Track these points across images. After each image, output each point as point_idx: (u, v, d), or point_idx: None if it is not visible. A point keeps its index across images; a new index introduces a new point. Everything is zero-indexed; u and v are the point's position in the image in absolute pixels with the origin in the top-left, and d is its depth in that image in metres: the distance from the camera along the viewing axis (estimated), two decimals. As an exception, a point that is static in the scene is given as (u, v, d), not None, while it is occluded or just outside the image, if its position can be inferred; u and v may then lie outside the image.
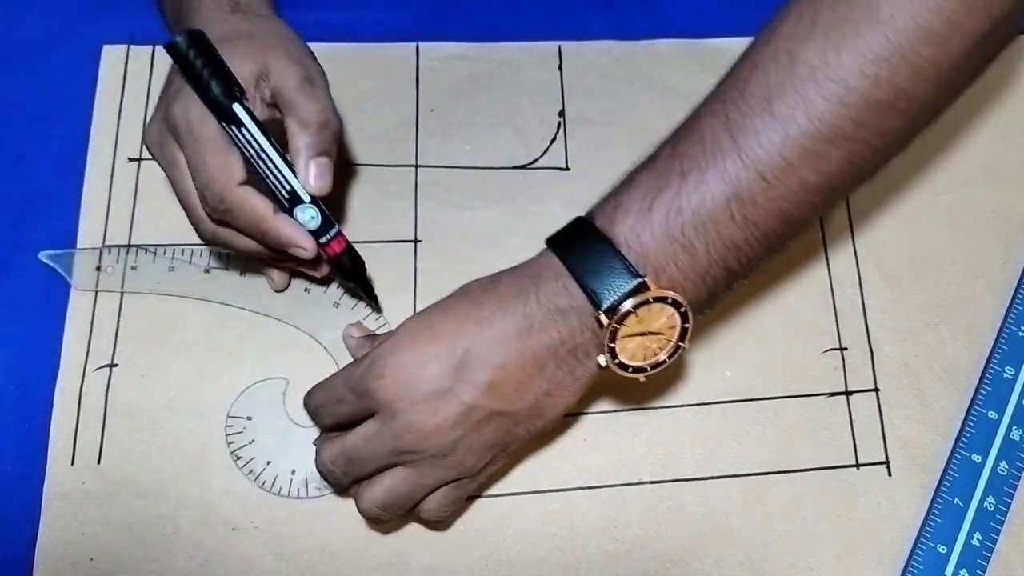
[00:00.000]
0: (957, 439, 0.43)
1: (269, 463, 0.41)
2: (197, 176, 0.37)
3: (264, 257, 0.41)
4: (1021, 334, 0.45)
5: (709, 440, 0.43)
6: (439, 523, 0.40)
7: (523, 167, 0.48)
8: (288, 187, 0.37)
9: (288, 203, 0.38)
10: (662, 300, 0.34)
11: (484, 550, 0.41)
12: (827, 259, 0.47)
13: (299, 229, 0.38)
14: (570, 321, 0.34)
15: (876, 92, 0.32)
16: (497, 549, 0.41)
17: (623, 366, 0.35)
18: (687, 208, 0.33)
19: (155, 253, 0.44)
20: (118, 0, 0.49)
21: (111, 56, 0.48)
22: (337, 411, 0.37)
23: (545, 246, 0.36)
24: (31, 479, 0.40)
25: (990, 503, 0.42)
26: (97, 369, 0.42)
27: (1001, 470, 0.42)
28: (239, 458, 0.41)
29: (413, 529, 0.41)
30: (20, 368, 0.42)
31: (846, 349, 0.45)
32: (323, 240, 0.39)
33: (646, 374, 0.36)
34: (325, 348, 0.43)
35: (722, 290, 0.36)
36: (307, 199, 0.38)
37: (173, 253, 0.44)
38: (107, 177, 0.46)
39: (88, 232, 0.45)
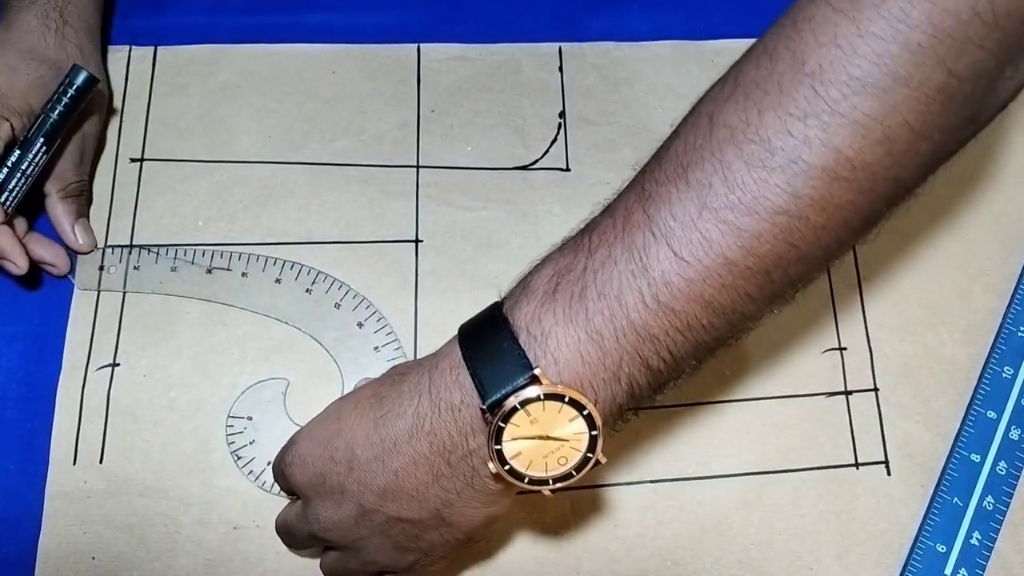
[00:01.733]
0: (956, 439, 0.43)
1: (269, 463, 0.41)
2: None
3: None
4: (1020, 334, 0.45)
5: (709, 440, 0.43)
6: None
7: (524, 168, 0.48)
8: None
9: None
10: (557, 398, 0.29)
11: (484, 550, 0.41)
12: (827, 259, 0.47)
13: (14, 245, 0.41)
14: (461, 420, 0.31)
15: (807, 155, 0.27)
16: (497, 549, 0.41)
17: (517, 475, 0.30)
18: (592, 288, 0.29)
19: (157, 253, 0.44)
20: (119, 0, 0.50)
21: (112, 57, 0.48)
22: (282, 483, 0.37)
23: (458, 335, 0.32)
24: (33, 478, 0.40)
25: (989, 502, 0.42)
26: (99, 369, 0.42)
27: (1000, 469, 0.42)
28: (240, 458, 0.41)
29: (414, 528, 0.41)
30: (22, 368, 0.42)
31: (846, 349, 0.45)
32: None
33: (549, 488, 0.31)
34: (326, 349, 0.43)
35: (645, 394, 0.31)
36: None
37: (175, 253, 0.44)
38: (109, 177, 0.46)
39: (90, 232, 0.45)
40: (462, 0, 0.51)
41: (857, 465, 0.43)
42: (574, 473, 0.30)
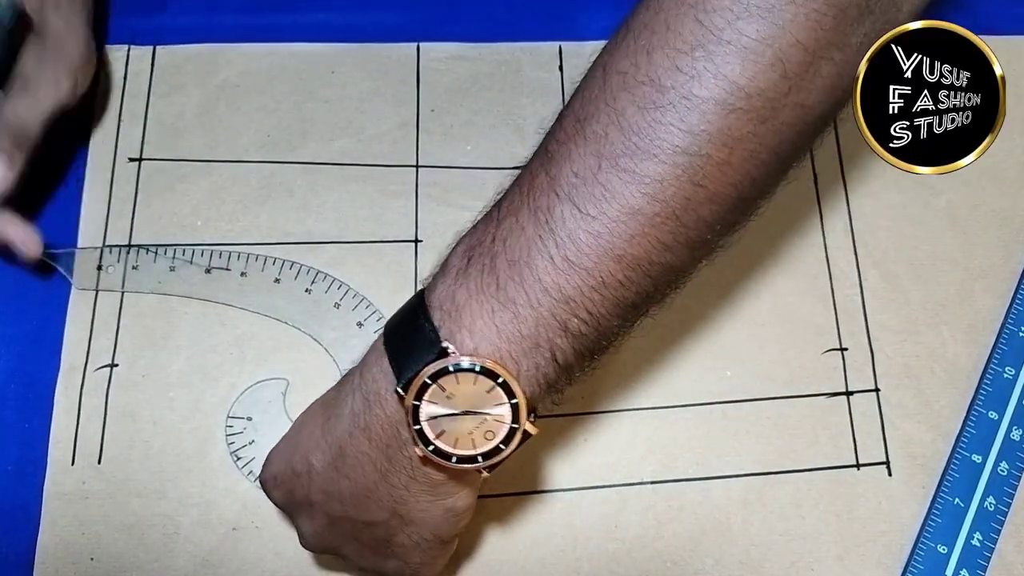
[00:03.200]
0: (957, 439, 0.43)
1: None
2: None
3: None
4: (1021, 334, 0.45)
5: (709, 440, 0.43)
6: None
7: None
8: None
9: None
10: (467, 370, 0.28)
11: (484, 550, 0.41)
12: (827, 259, 0.47)
13: None
14: (389, 409, 0.30)
15: (698, 89, 0.26)
16: (497, 549, 0.41)
17: (444, 455, 0.29)
18: (501, 257, 0.28)
19: (156, 253, 0.44)
20: (118, 0, 0.49)
21: (111, 56, 0.48)
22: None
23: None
24: (31, 479, 0.40)
25: (990, 503, 0.42)
26: (98, 369, 0.42)
27: (1001, 470, 0.42)
28: (239, 458, 0.41)
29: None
30: (20, 368, 0.42)
31: (846, 349, 0.45)
32: None
33: (479, 466, 0.30)
34: (326, 349, 0.43)
35: (573, 361, 0.29)
36: None
37: (174, 253, 0.44)
38: (107, 177, 0.46)
39: (88, 232, 0.45)
40: (462, 0, 0.51)
41: (858, 466, 0.43)
42: (503, 447, 0.29)
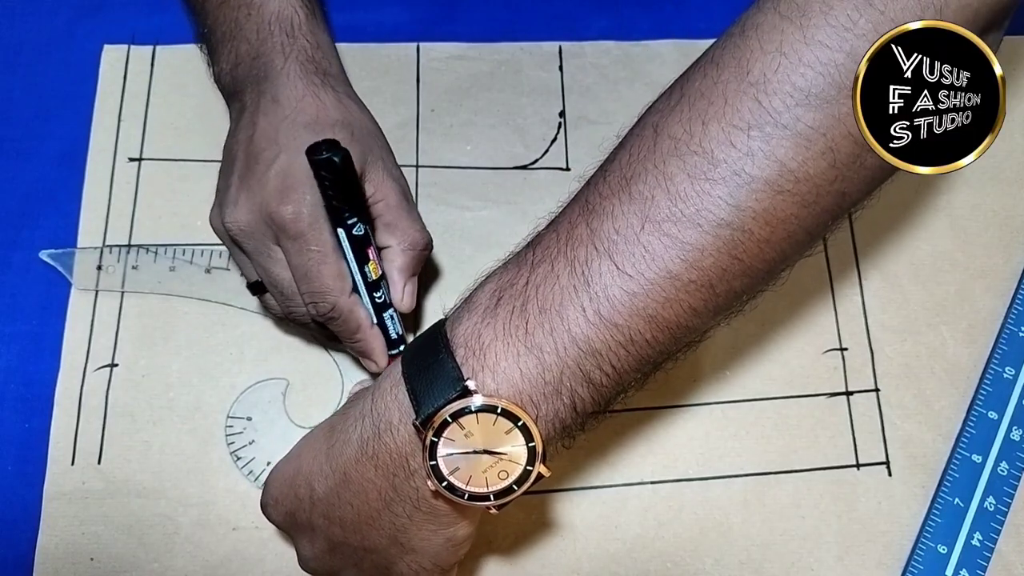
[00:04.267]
0: (957, 439, 0.43)
1: (269, 463, 0.41)
2: (308, 281, 0.36)
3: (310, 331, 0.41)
4: (1021, 334, 0.45)
5: (709, 440, 0.43)
6: None
7: (524, 167, 0.48)
8: (380, 300, 0.38)
9: (375, 310, 0.38)
10: (490, 410, 0.28)
11: (484, 550, 0.41)
12: (827, 259, 0.47)
13: (383, 346, 0.39)
14: (400, 439, 0.30)
15: (750, 167, 0.26)
16: (497, 549, 0.41)
17: (456, 491, 0.29)
18: (533, 302, 0.28)
19: (156, 253, 0.44)
20: (118, 0, 0.49)
21: (111, 56, 0.48)
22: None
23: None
24: (31, 479, 0.40)
25: (990, 503, 0.42)
26: (97, 369, 0.42)
27: (1001, 470, 0.42)
28: (239, 458, 0.41)
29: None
30: (21, 368, 0.42)
31: (846, 349, 0.45)
32: (393, 352, 0.39)
33: (491, 504, 0.30)
34: (326, 349, 0.43)
35: (590, 409, 0.30)
36: (395, 314, 0.39)
37: (174, 253, 0.44)
38: (107, 177, 0.46)
39: (88, 232, 0.45)
40: (461, 0, 0.51)
41: (858, 466, 0.43)
42: (515, 488, 0.30)
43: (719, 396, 0.44)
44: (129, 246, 0.44)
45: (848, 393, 0.44)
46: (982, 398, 0.44)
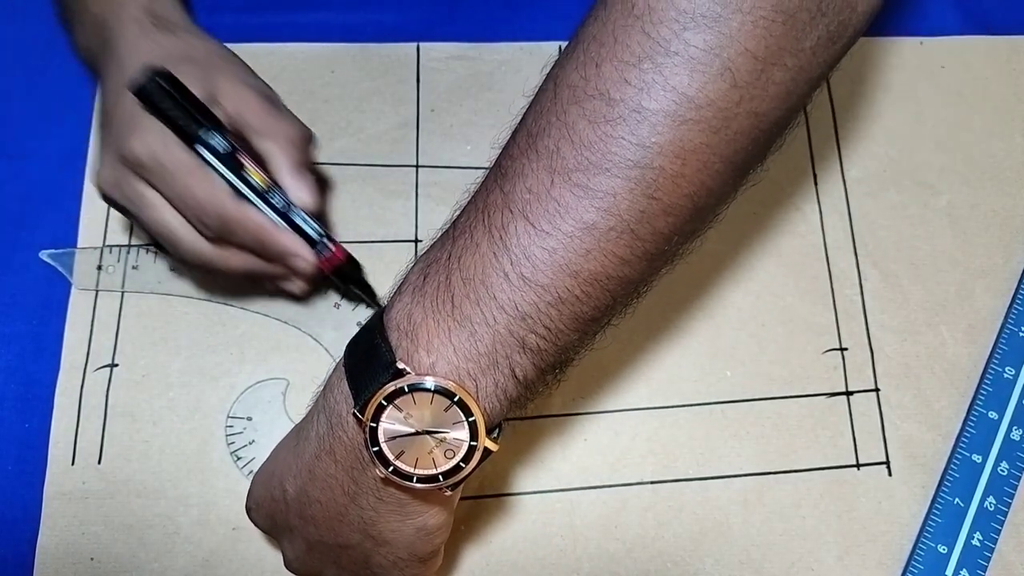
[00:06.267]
0: (957, 439, 0.43)
1: None
2: (185, 204, 0.35)
3: (254, 277, 0.40)
4: (1021, 334, 0.45)
5: (709, 440, 0.43)
6: None
7: (523, 167, 0.48)
8: (279, 204, 0.37)
9: (278, 216, 0.38)
10: (422, 389, 0.28)
11: (484, 550, 0.41)
12: (827, 259, 0.47)
13: (300, 240, 0.38)
14: (351, 430, 0.30)
15: (647, 101, 0.26)
16: (497, 549, 0.41)
17: (404, 475, 0.29)
18: (456, 275, 0.28)
19: (156, 253, 0.44)
20: (118, 0, 0.50)
21: (111, 56, 0.48)
22: None
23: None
24: (31, 479, 0.40)
25: (990, 503, 0.42)
26: (97, 369, 0.42)
27: (1001, 470, 0.42)
28: (239, 458, 0.41)
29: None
30: (20, 368, 0.42)
31: (846, 349, 0.45)
32: (321, 253, 0.39)
33: (440, 485, 0.29)
34: (326, 349, 0.43)
35: (534, 377, 0.29)
36: (302, 213, 0.38)
37: None
38: (107, 177, 0.46)
39: (88, 231, 0.45)
40: (461, 0, 0.51)
41: (858, 466, 0.43)
42: (463, 465, 0.29)
43: (719, 396, 0.44)
44: (129, 246, 0.44)
45: (848, 393, 0.44)
46: (982, 398, 0.44)
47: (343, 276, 0.41)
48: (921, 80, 0.51)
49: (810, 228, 0.47)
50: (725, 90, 0.26)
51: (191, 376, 0.42)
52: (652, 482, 0.42)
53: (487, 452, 0.29)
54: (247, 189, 0.37)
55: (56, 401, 0.42)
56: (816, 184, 0.48)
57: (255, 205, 0.37)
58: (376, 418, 0.28)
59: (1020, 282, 0.46)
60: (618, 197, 0.26)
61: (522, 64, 0.50)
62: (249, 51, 0.48)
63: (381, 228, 0.46)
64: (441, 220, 0.46)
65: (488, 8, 0.51)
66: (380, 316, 0.30)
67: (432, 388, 0.28)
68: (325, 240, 0.39)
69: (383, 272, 0.45)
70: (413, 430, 0.28)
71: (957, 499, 0.42)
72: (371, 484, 0.30)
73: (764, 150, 0.29)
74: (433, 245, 0.30)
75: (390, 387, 0.28)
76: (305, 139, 0.39)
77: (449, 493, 0.30)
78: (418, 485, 0.29)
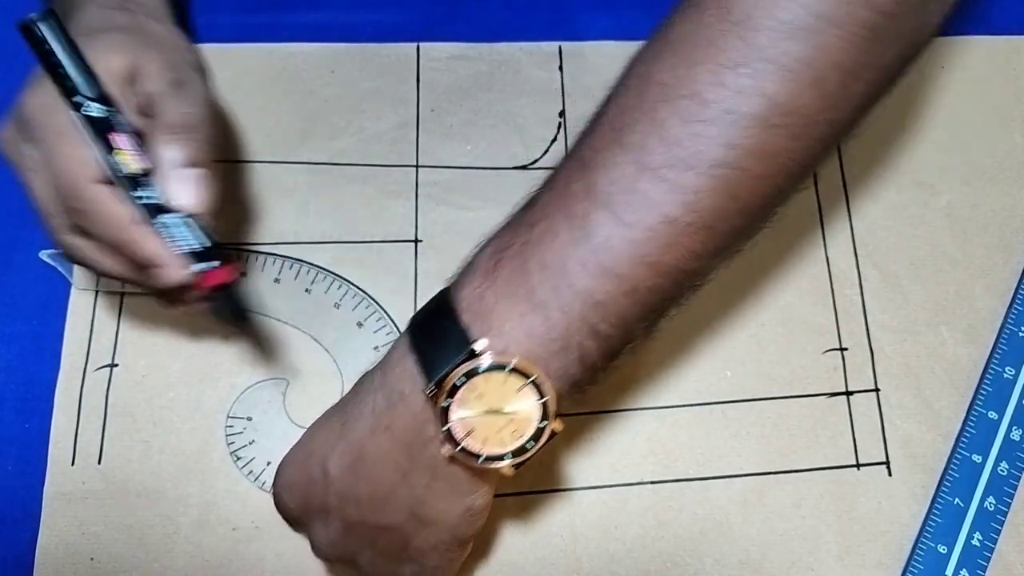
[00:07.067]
0: (957, 439, 0.43)
1: (269, 463, 0.41)
2: (49, 170, 0.32)
3: (131, 282, 0.35)
4: (1021, 334, 0.45)
5: (709, 440, 0.43)
6: None
7: (524, 167, 0.48)
8: (149, 197, 0.32)
9: (147, 212, 0.32)
10: (499, 368, 0.28)
11: (484, 550, 0.41)
12: (827, 259, 0.47)
13: (166, 246, 0.32)
14: (413, 408, 0.30)
15: (740, 105, 0.27)
16: (497, 549, 0.41)
17: (472, 454, 0.29)
18: (533, 260, 0.29)
19: None
20: (118, 0, 0.49)
21: (111, 56, 0.48)
22: (281, 516, 0.37)
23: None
24: (31, 479, 0.40)
25: (990, 503, 0.42)
26: (97, 369, 0.42)
27: (1001, 470, 0.42)
28: (239, 458, 0.41)
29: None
30: (20, 368, 0.42)
31: (846, 349, 0.45)
32: (201, 268, 0.33)
33: (506, 464, 0.30)
34: (326, 349, 0.43)
35: (599, 362, 0.30)
36: (180, 214, 0.33)
37: None
38: (107, 177, 0.46)
39: (88, 232, 0.45)
40: (462, 0, 0.51)
41: (858, 466, 0.43)
42: (529, 445, 0.30)
43: (719, 396, 0.44)
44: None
45: (848, 393, 0.44)
46: (982, 398, 0.44)
47: (220, 310, 0.35)
48: (921, 80, 0.51)
49: (810, 228, 0.47)
50: (813, 99, 0.27)
51: (191, 376, 0.42)
52: (652, 482, 0.42)
53: (553, 433, 0.30)
54: (113, 174, 0.32)
55: (56, 401, 0.42)
56: (816, 184, 0.48)
57: (130, 197, 0.32)
58: (450, 396, 0.29)
59: (1020, 282, 0.46)
60: (701, 194, 0.28)
61: (522, 64, 0.50)
62: (249, 51, 0.49)
63: (381, 228, 0.46)
64: (441, 220, 0.46)
65: (488, 8, 0.51)
66: (446, 297, 0.31)
67: (508, 368, 0.29)
68: (216, 261, 0.33)
69: (383, 272, 0.45)
70: (485, 410, 0.29)
71: (957, 499, 0.42)
72: (428, 462, 0.31)
73: (828, 156, 0.31)
74: (504, 231, 0.31)
75: (466, 367, 0.29)
76: (192, 126, 0.33)
77: (511, 472, 0.31)
78: (483, 464, 0.30)
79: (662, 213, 0.28)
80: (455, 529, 0.32)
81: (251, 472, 0.41)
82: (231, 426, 0.42)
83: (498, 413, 0.29)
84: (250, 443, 0.41)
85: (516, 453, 0.30)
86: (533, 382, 0.29)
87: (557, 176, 0.30)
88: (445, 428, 0.29)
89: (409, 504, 0.32)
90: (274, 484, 0.36)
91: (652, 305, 0.30)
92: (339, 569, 0.39)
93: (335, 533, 0.34)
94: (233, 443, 0.41)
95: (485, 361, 0.29)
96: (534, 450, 0.30)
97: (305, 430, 0.35)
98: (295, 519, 0.36)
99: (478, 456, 0.30)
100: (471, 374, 0.29)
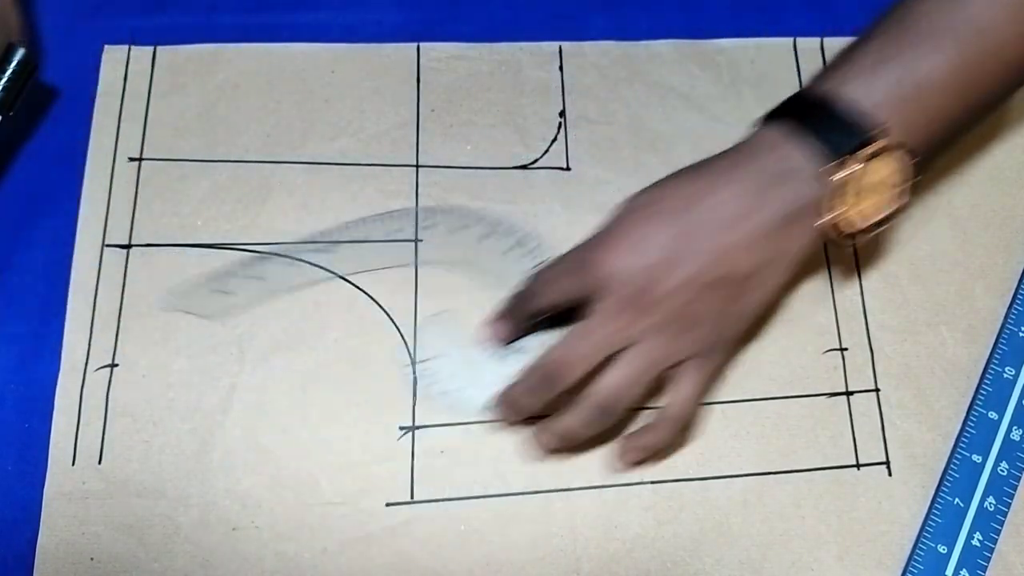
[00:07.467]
0: (957, 439, 0.43)
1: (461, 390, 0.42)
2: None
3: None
4: (1021, 334, 0.45)
5: (709, 440, 0.43)
6: (665, 448, 0.41)
7: (523, 167, 0.48)
8: None
9: None
10: (888, 151, 0.35)
11: (484, 550, 0.41)
12: (827, 259, 0.47)
13: None
14: (793, 184, 0.36)
15: None
16: (497, 549, 0.41)
17: (842, 229, 0.36)
18: (911, 74, 0.35)
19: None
20: (118, 0, 0.49)
21: (111, 56, 0.48)
22: (557, 288, 0.38)
23: (761, 124, 0.38)
24: (32, 479, 0.40)
25: (990, 503, 0.42)
26: (98, 369, 0.42)
27: (1001, 470, 0.42)
28: (445, 393, 0.42)
29: (413, 530, 0.41)
30: (20, 368, 0.42)
31: (846, 349, 0.45)
32: None
33: (868, 236, 0.37)
34: (326, 349, 0.43)
35: (945, 141, 0.38)
36: None
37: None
38: (107, 176, 0.46)
39: (88, 232, 0.45)
40: (462, 0, 0.51)
41: (858, 466, 0.43)
42: (889, 216, 0.37)
43: (719, 396, 0.44)
44: (129, 246, 0.44)
45: (848, 393, 0.44)
46: (982, 398, 0.44)
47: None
48: (921, 80, 0.51)
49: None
50: None
51: (191, 376, 0.42)
52: (652, 482, 0.42)
53: (905, 207, 0.37)
54: None
55: (56, 401, 0.42)
56: (816, 184, 0.48)
57: None
58: (848, 176, 0.35)
59: (1020, 282, 0.46)
60: None
61: (522, 64, 0.50)
62: (248, 51, 0.49)
63: (381, 228, 0.46)
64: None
65: (488, 8, 0.51)
66: (815, 91, 0.37)
67: (897, 154, 0.35)
68: None
69: (383, 272, 0.45)
70: (864, 186, 0.35)
71: (957, 499, 0.42)
72: (792, 229, 0.36)
73: None
74: (875, 42, 0.37)
75: (871, 148, 0.35)
76: None
77: (868, 237, 0.37)
78: (848, 239, 0.37)
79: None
80: (769, 295, 0.38)
81: (451, 405, 0.42)
82: (425, 369, 0.43)
83: (872, 191, 0.35)
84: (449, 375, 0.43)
85: (878, 224, 0.36)
86: (910, 165, 0.35)
87: (926, 7, 0.37)
88: (831, 204, 0.35)
89: (758, 262, 0.36)
90: (596, 242, 0.37)
91: (1012, 80, 0.37)
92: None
93: (669, 286, 0.35)
94: (433, 385, 0.43)
95: (881, 145, 0.35)
96: (889, 224, 0.37)
97: (628, 201, 0.38)
98: (596, 280, 0.36)
99: (847, 230, 0.36)
100: (872, 157, 0.35)
